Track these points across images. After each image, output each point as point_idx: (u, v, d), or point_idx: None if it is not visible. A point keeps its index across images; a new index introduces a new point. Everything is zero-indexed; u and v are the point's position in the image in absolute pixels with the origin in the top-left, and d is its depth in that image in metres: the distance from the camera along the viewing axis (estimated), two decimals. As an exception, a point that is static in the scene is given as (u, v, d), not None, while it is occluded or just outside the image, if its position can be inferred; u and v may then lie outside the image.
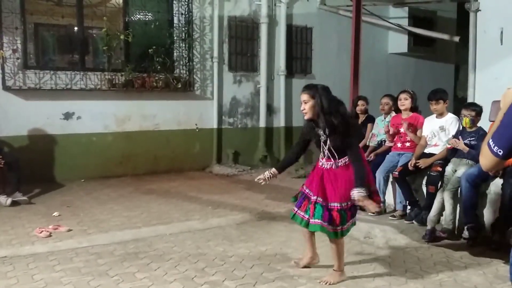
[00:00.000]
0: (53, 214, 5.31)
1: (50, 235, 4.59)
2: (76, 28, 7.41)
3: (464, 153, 4.66)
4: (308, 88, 3.44)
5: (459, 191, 4.53)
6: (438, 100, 5.09)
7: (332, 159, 3.47)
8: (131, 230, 4.80)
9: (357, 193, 3.29)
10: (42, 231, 4.63)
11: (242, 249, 4.28)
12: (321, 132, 3.45)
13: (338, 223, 3.40)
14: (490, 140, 1.64)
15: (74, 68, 7.29)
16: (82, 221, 5.12)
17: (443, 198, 4.59)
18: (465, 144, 4.64)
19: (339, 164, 3.45)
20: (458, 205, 4.61)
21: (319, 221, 3.38)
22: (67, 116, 7.26)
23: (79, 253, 4.13)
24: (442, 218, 4.68)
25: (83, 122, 7.36)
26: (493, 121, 1.69)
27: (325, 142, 3.45)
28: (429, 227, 4.56)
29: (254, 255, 4.11)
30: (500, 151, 1.61)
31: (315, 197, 3.46)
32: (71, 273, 3.68)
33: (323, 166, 3.53)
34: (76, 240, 4.48)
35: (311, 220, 3.45)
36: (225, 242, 4.46)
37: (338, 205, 3.40)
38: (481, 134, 4.60)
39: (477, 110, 4.67)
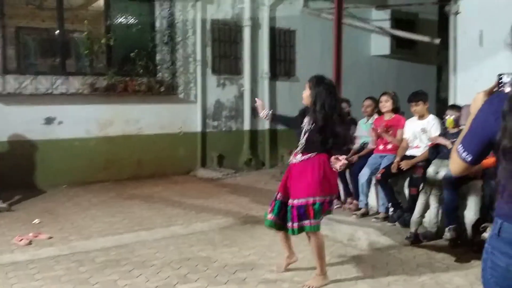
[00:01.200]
0: (34, 222, 5.23)
1: (30, 243, 4.51)
2: (57, 32, 7.32)
3: (446, 154, 4.68)
4: (313, 78, 3.52)
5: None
6: (418, 102, 5.13)
7: (302, 153, 3.50)
8: (113, 237, 4.75)
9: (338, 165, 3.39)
10: (22, 239, 4.55)
11: (225, 254, 4.26)
12: (306, 121, 3.52)
13: (312, 216, 3.38)
14: (460, 146, 1.65)
15: (55, 72, 7.20)
16: (63, 228, 5.05)
17: (428, 201, 4.61)
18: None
19: (306, 158, 3.47)
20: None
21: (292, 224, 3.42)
22: (49, 121, 7.16)
23: (60, 261, 4.07)
24: (424, 220, 4.71)
25: (65, 127, 7.27)
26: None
27: (305, 132, 3.50)
28: (412, 229, 4.59)
29: (237, 260, 4.10)
30: (469, 157, 1.62)
31: (279, 194, 3.56)
32: (51, 282, 3.62)
33: (292, 161, 3.57)
34: (56, 248, 4.41)
35: (292, 225, 3.44)
36: (209, 247, 4.43)
37: (304, 201, 3.39)
38: None
39: (460, 112, 4.72)
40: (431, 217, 4.58)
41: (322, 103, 3.39)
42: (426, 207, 4.62)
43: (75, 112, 7.30)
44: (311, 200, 3.39)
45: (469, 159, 1.62)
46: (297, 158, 3.53)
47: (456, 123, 4.68)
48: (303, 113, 3.62)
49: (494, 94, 1.64)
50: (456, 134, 4.68)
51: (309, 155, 3.47)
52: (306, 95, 3.51)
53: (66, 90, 7.17)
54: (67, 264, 4.00)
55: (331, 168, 3.45)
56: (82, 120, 7.39)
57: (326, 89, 3.42)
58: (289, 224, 3.45)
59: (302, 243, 4.32)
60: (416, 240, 4.48)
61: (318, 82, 3.45)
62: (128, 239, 4.68)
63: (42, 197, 6.50)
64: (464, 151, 1.63)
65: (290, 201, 3.46)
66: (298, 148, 3.54)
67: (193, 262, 4.05)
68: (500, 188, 1.53)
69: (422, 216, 4.65)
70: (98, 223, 5.23)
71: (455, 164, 1.68)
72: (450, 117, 4.69)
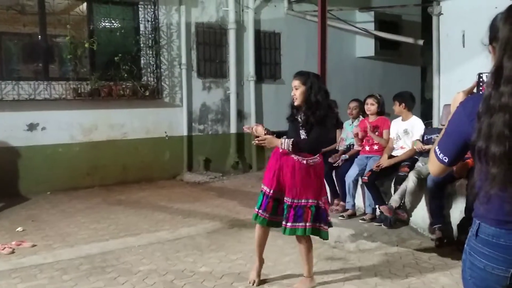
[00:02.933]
0: (17, 229, 5.14)
1: (13, 252, 4.43)
2: (39, 37, 7.23)
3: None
4: (300, 74, 3.45)
5: (425, 189, 4.60)
6: (394, 102, 5.21)
7: (303, 153, 3.40)
8: (98, 243, 4.69)
9: (285, 142, 3.32)
10: (5, 247, 4.47)
11: (212, 259, 4.23)
12: (299, 118, 3.44)
13: (308, 220, 3.34)
14: (436, 147, 1.66)
15: (38, 77, 7.10)
16: (47, 235, 4.98)
17: (409, 180, 4.67)
18: (432, 139, 4.73)
19: (311, 162, 3.39)
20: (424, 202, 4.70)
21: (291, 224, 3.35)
22: (31, 127, 7.06)
23: (44, 269, 4.00)
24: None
25: (48, 133, 7.17)
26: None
27: (302, 127, 3.42)
28: (393, 204, 4.69)
29: (224, 265, 4.07)
30: (445, 158, 1.63)
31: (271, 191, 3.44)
32: (34, 291, 3.56)
33: (293, 156, 3.39)
34: (40, 256, 4.34)
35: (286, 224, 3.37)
36: (195, 252, 4.40)
37: (311, 201, 3.35)
38: None
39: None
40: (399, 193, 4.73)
41: (316, 91, 3.34)
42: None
43: (59, 117, 7.21)
44: (310, 202, 3.35)
45: (446, 160, 1.63)
46: (298, 156, 3.38)
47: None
48: (292, 115, 3.51)
49: (469, 96, 1.65)
50: (439, 130, 4.71)
51: (314, 159, 3.40)
52: (300, 93, 3.38)
53: (49, 95, 7.08)
54: (51, 272, 3.93)
55: (321, 171, 3.45)
56: (66, 125, 7.30)
57: (316, 80, 3.40)
58: (283, 222, 3.37)
59: (289, 246, 4.33)
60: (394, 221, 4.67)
61: (306, 76, 3.40)
62: (113, 245, 4.62)
63: (26, 204, 6.40)
64: (440, 153, 1.64)
65: (287, 200, 3.37)
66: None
67: (180, 267, 4.01)
68: (476, 189, 1.54)
69: (402, 198, 4.78)
70: (83, 230, 5.16)
71: (433, 165, 1.69)
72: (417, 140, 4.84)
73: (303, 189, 3.36)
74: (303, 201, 3.36)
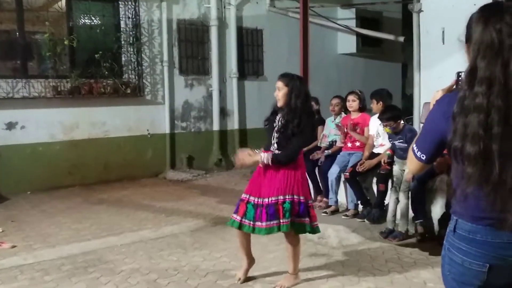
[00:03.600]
0: (-4, 230, 5.05)
1: (-8, 253, 4.35)
2: (17, 34, 7.09)
3: (402, 153, 4.66)
4: (284, 76, 3.45)
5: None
6: (372, 99, 5.26)
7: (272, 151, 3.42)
8: (80, 243, 4.63)
9: (265, 156, 3.35)
10: (-16, 249, 4.39)
11: (196, 257, 4.21)
12: (278, 119, 3.43)
13: (281, 216, 3.32)
14: (414, 146, 1.69)
15: (16, 75, 6.96)
16: (27, 236, 4.90)
17: (397, 198, 4.65)
18: (396, 146, 4.69)
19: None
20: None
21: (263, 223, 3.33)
22: (10, 126, 6.93)
23: (24, 271, 3.94)
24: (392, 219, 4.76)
25: (28, 131, 7.04)
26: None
27: (277, 131, 3.42)
28: (390, 227, 4.63)
29: (208, 263, 4.06)
30: (423, 156, 1.66)
31: (247, 196, 3.44)
32: (15, 293, 3.50)
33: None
34: (21, 257, 4.27)
35: (257, 224, 3.35)
36: (179, 251, 4.37)
37: (274, 199, 3.34)
38: (409, 136, 4.57)
39: (394, 116, 4.58)
40: (401, 214, 4.61)
41: (297, 95, 3.35)
42: (397, 204, 4.67)
43: (38, 116, 7.09)
44: (281, 198, 3.34)
45: (423, 158, 1.66)
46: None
47: (394, 129, 4.60)
48: (275, 112, 3.52)
49: (445, 95, 1.67)
50: (401, 135, 4.65)
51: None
52: (283, 94, 3.39)
53: (28, 93, 6.95)
54: (32, 273, 3.88)
55: (303, 170, 3.45)
56: (46, 124, 7.18)
57: (298, 83, 3.41)
58: (258, 223, 3.35)
59: (273, 243, 4.35)
60: (389, 237, 4.53)
61: (290, 78, 3.41)
62: (95, 245, 4.57)
63: (5, 205, 6.28)
64: (418, 151, 1.67)
65: (258, 200, 3.37)
66: (270, 148, 3.45)
67: (163, 266, 3.99)
68: (454, 187, 1.57)
69: (396, 214, 4.70)
70: (65, 230, 5.09)
71: (412, 163, 1.72)
72: (385, 127, 4.67)
73: (270, 188, 3.37)
74: (273, 199, 3.34)
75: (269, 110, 3.59)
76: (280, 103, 3.43)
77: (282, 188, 3.34)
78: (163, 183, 7.78)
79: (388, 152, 4.85)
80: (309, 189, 3.72)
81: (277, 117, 3.45)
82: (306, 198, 3.45)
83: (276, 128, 3.43)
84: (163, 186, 7.52)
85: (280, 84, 3.43)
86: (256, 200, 3.40)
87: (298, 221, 3.40)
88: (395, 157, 4.77)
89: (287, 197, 3.34)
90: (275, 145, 3.43)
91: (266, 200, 3.35)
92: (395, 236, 4.52)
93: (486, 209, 1.50)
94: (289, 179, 3.37)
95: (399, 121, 4.62)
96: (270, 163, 3.37)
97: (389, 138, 4.81)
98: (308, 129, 3.43)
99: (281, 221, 3.31)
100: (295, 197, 3.36)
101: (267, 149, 3.47)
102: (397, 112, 4.66)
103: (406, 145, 4.51)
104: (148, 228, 5.11)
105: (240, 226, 3.42)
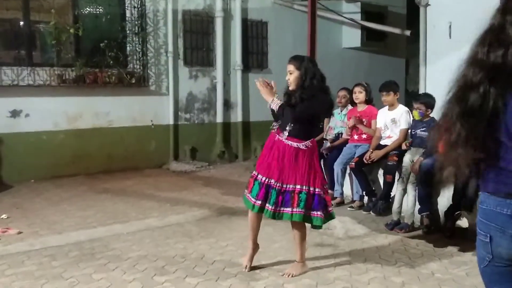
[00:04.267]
0: (1, 217, 5.05)
1: (-2, 239, 4.35)
2: (22, 22, 7.06)
3: (420, 142, 4.76)
4: (295, 59, 3.42)
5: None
6: (389, 92, 5.22)
7: (294, 137, 3.38)
8: (86, 231, 4.63)
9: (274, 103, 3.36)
10: (-10, 234, 4.39)
11: (202, 245, 4.22)
12: (293, 100, 3.41)
13: (295, 205, 3.33)
14: None
15: (21, 63, 6.94)
16: (33, 223, 4.90)
17: (405, 190, 4.66)
18: (417, 134, 4.76)
19: (302, 146, 3.37)
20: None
21: (288, 209, 3.34)
22: (14, 114, 6.91)
23: (31, 256, 3.94)
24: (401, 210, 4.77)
25: (32, 120, 7.03)
26: None
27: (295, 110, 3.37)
28: (395, 218, 4.64)
29: (215, 251, 4.06)
30: None
31: (271, 181, 3.38)
32: (23, 277, 3.50)
33: (285, 141, 3.39)
34: (27, 243, 4.27)
35: (271, 207, 3.35)
36: (185, 239, 4.38)
37: (292, 187, 3.34)
38: (432, 126, 4.69)
39: (428, 102, 4.69)
40: (408, 206, 4.62)
41: (312, 77, 3.32)
42: (404, 195, 4.68)
43: (43, 104, 7.07)
44: (298, 188, 3.34)
45: None
46: (290, 142, 3.37)
47: (421, 115, 4.71)
48: (288, 95, 3.47)
49: None
50: (425, 124, 4.73)
51: (304, 143, 3.37)
52: (294, 78, 3.36)
53: (33, 81, 6.93)
54: (39, 259, 3.88)
55: (313, 157, 3.44)
56: (50, 112, 7.16)
57: (310, 65, 3.38)
58: (269, 206, 3.34)
59: (278, 233, 4.35)
60: (395, 228, 4.54)
61: (301, 60, 3.38)
62: (102, 232, 4.58)
63: (9, 192, 6.28)
64: None
65: (276, 184, 3.34)
66: (287, 127, 3.38)
67: (170, 254, 3.99)
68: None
69: (402, 205, 4.71)
70: (70, 218, 5.09)
71: None
72: (415, 110, 4.74)
73: (290, 174, 3.35)
74: (290, 186, 3.35)
75: (282, 94, 3.54)
76: (292, 87, 3.41)
77: (301, 177, 3.34)
78: (166, 174, 7.78)
79: (417, 111, 4.77)
80: (325, 178, 3.69)
81: (292, 99, 3.42)
82: (322, 190, 3.44)
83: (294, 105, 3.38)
84: (167, 177, 7.52)
85: (291, 67, 3.40)
86: (276, 184, 3.35)
87: (308, 214, 3.40)
88: (408, 147, 4.82)
89: (304, 187, 3.34)
90: (291, 125, 3.38)
91: (285, 186, 3.34)
92: (402, 228, 4.53)
93: None
94: (309, 169, 3.36)
95: (430, 110, 4.69)
96: (275, 110, 3.34)
97: (411, 128, 4.85)
98: (320, 99, 3.38)
99: (295, 209, 3.32)
100: (311, 188, 3.37)
101: (282, 129, 3.43)
102: (433, 100, 4.69)
103: (427, 133, 4.60)
104: (153, 217, 5.11)
105: (260, 210, 3.39)
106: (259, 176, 3.43)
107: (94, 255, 3.97)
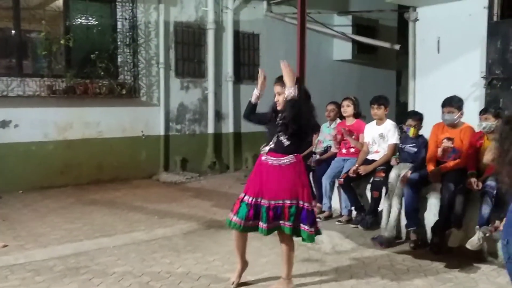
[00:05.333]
0: (-13, 229, 5.01)
1: (-17, 252, 4.31)
2: (13, 32, 7.05)
3: (407, 157, 4.80)
4: (282, 79, 3.41)
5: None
6: (380, 105, 5.25)
7: (279, 154, 3.41)
8: (72, 244, 4.60)
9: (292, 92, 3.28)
10: (-26, 248, 4.35)
11: (189, 260, 4.20)
12: (279, 119, 3.42)
13: (286, 218, 3.35)
14: None
15: (11, 73, 6.93)
16: (19, 235, 4.85)
17: (390, 203, 4.69)
18: (405, 149, 4.82)
19: (286, 161, 3.40)
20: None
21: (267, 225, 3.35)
22: (3, 124, 6.88)
23: (15, 271, 3.91)
24: (382, 225, 4.79)
25: (21, 130, 7.00)
26: None
27: (278, 131, 3.41)
28: (386, 234, 4.65)
29: (201, 266, 4.04)
30: None
31: (259, 199, 3.40)
32: (5, 293, 3.47)
33: (268, 161, 3.44)
34: (12, 257, 4.23)
35: (264, 225, 3.36)
36: (172, 254, 4.36)
37: (289, 202, 3.35)
38: (421, 142, 4.77)
39: (420, 118, 4.89)
40: (391, 219, 4.65)
41: (300, 95, 3.34)
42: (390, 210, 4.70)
43: (32, 115, 7.05)
44: (288, 203, 3.35)
45: None
46: (273, 158, 3.41)
47: (418, 131, 4.83)
48: (275, 111, 3.50)
49: None
50: (414, 140, 4.79)
51: (289, 158, 3.40)
52: (283, 98, 3.36)
53: (23, 92, 6.92)
54: (23, 273, 3.84)
55: (300, 172, 3.44)
56: (40, 123, 7.14)
57: (298, 81, 3.40)
58: (263, 224, 3.36)
59: (266, 247, 4.34)
60: (387, 245, 4.54)
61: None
62: (87, 246, 4.54)
63: (-4, 203, 6.23)
64: None
65: (264, 202, 3.37)
66: (272, 146, 3.43)
67: (156, 269, 3.97)
68: None
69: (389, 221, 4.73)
70: (57, 230, 5.05)
71: None
72: (411, 127, 4.84)
73: (279, 191, 3.37)
74: (280, 202, 3.36)
75: (269, 109, 3.55)
76: (281, 106, 3.43)
77: (289, 192, 3.35)
78: (156, 185, 7.76)
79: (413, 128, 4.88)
80: (313, 193, 3.69)
81: (278, 117, 3.44)
82: (310, 204, 3.45)
83: (278, 128, 3.41)
84: (156, 188, 7.50)
85: (280, 88, 3.42)
86: (263, 202, 3.38)
87: (298, 227, 3.41)
88: (398, 162, 4.89)
89: (293, 201, 3.36)
90: (274, 144, 3.42)
91: (273, 202, 3.36)
92: (382, 242, 4.53)
93: None
94: (296, 183, 3.38)
95: (421, 124, 4.90)
96: (293, 96, 3.27)
97: (402, 140, 4.92)
98: (308, 115, 3.45)
99: (286, 223, 3.35)
100: (300, 202, 3.38)
101: (267, 143, 3.47)
102: (422, 116, 4.94)
103: (416, 149, 4.79)
104: (140, 230, 5.09)
105: (244, 229, 3.42)
106: (246, 197, 3.44)
107: (78, 269, 3.94)
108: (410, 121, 4.85)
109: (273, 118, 3.52)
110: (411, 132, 4.83)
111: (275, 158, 3.42)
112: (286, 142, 3.41)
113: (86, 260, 4.15)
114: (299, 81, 3.47)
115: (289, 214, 3.35)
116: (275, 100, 3.45)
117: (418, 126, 4.84)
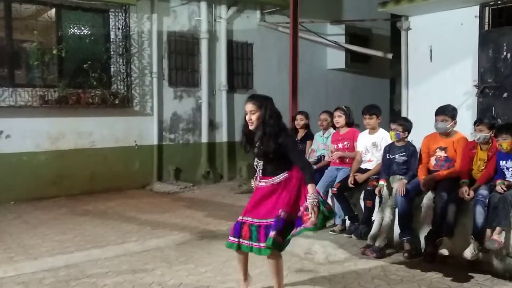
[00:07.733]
0: (-23, 241, 4.95)
1: (-29, 265, 4.25)
2: (5, 42, 7.02)
3: (396, 169, 4.77)
4: (255, 98, 3.37)
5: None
6: (372, 115, 5.23)
7: (268, 176, 3.39)
8: (63, 256, 4.54)
9: (310, 200, 3.20)
10: (-37, 261, 4.28)
11: (181, 271, 4.15)
12: (257, 145, 3.37)
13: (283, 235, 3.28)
14: None
15: (3, 84, 6.91)
16: (9, 247, 4.80)
17: (383, 214, 4.66)
18: (395, 159, 4.76)
19: (277, 180, 3.36)
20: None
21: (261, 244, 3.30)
22: (-5, 134, 6.85)
23: (4, 284, 3.85)
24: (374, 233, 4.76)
25: (13, 140, 6.96)
26: None
27: (258, 156, 3.38)
28: (370, 242, 4.62)
29: (193, 278, 4.00)
30: None
31: (251, 219, 3.37)
32: (-7, 307, 3.41)
33: (258, 185, 3.43)
34: (1, 269, 4.17)
35: (256, 245, 3.32)
36: (164, 265, 4.31)
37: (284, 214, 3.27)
38: (411, 150, 4.72)
39: (405, 125, 4.76)
40: (383, 229, 4.62)
41: (270, 115, 3.30)
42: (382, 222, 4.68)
43: (24, 125, 7.01)
44: (264, 222, 3.31)
45: None
46: (263, 181, 3.39)
47: (398, 137, 4.75)
48: (247, 136, 3.43)
49: None
50: (403, 149, 4.75)
51: (279, 177, 3.35)
52: (256, 117, 3.30)
53: (15, 102, 6.88)
54: (11, 287, 3.79)
55: (298, 188, 3.37)
56: (32, 133, 7.10)
57: (270, 104, 3.36)
58: (256, 244, 3.32)
59: (259, 258, 4.29)
60: (381, 255, 4.50)
61: (261, 100, 3.36)
62: (78, 258, 4.49)
63: (-13, 215, 6.17)
64: None
65: (257, 221, 3.34)
66: (259, 173, 3.40)
67: (147, 280, 3.92)
68: None
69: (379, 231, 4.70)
70: (48, 242, 4.99)
71: None
72: (392, 130, 4.77)
73: (269, 208, 3.34)
74: (269, 220, 3.31)
75: (241, 138, 3.48)
76: (253, 127, 3.34)
77: (271, 211, 3.31)
78: (150, 195, 7.71)
79: (393, 132, 4.79)
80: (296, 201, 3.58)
81: (255, 142, 3.38)
82: (286, 212, 3.31)
83: (257, 153, 3.37)
84: (150, 198, 7.45)
85: (253, 107, 3.32)
86: (255, 221, 3.35)
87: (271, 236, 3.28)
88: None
89: (269, 220, 3.30)
90: (261, 172, 3.39)
91: (264, 221, 3.32)
92: (374, 251, 4.50)
93: None
94: (289, 198, 3.31)
95: (407, 133, 4.78)
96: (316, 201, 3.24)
97: (388, 153, 4.84)
98: (292, 142, 3.44)
99: (260, 244, 3.30)
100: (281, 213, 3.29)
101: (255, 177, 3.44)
102: (410, 125, 4.83)
103: (406, 158, 4.70)
104: (132, 241, 5.04)
105: (238, 247, 3.39)
106: (240, 217, 3.41)
107: (69, 282, 3.89)
108: (393, 125, 4.80)
109: (248, 145, 3.45)
110: (391, 135, 4.80)
111: (267, 180, 3.38)
112: (271, 166, 3.38)
113: (76, 272, 4.10)
114: (268, 101, 3.40)
115: (264, 233, 3.28)
116: (247, 119, 3.36)
117: (400, 130, 4.71)
